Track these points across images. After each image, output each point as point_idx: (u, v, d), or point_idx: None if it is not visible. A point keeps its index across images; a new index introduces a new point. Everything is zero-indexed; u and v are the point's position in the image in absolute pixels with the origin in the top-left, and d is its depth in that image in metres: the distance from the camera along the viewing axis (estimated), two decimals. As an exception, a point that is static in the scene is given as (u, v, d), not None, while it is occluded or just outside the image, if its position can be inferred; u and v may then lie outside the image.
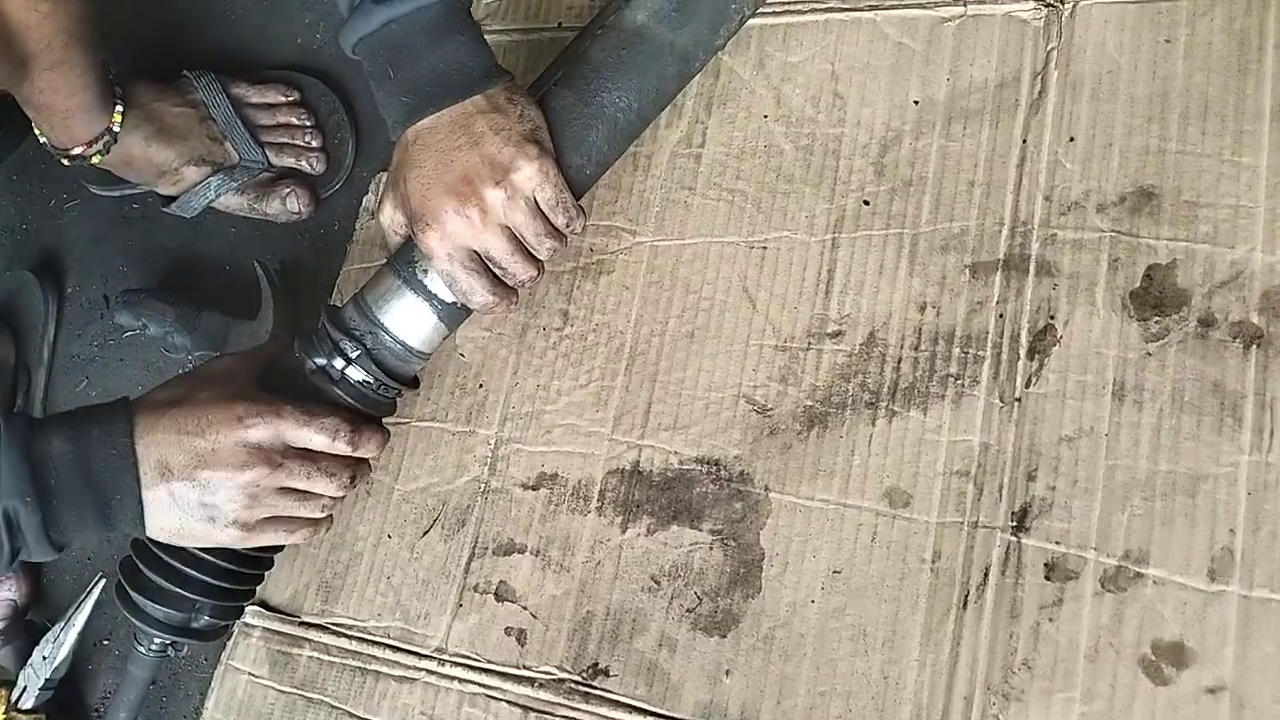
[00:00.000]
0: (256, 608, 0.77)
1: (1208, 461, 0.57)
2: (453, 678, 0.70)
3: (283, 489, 0.64)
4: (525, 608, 0.70)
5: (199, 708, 0.81)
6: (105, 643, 0.89)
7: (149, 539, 0.65)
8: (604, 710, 0.65)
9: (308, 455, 0.64)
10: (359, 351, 0.66)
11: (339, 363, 0.66)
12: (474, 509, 0.74)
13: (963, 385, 0.63)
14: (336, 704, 0.72)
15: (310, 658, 0.75)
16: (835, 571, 0.63)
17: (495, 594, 0.71)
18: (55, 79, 0.77)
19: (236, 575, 0.70)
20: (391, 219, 0.67)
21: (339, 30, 0.65)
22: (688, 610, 0.66)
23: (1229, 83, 0.62)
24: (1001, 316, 0.63)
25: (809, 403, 0.67)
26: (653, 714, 0.64)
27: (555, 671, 0.68)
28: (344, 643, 0.74)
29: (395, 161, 0.66)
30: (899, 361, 0.65)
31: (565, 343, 0.76)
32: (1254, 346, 0.57)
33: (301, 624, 0.76)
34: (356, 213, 0.89)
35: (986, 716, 0.57)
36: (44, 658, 0.85)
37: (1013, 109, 0.66)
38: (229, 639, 0.78)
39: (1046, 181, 0.64)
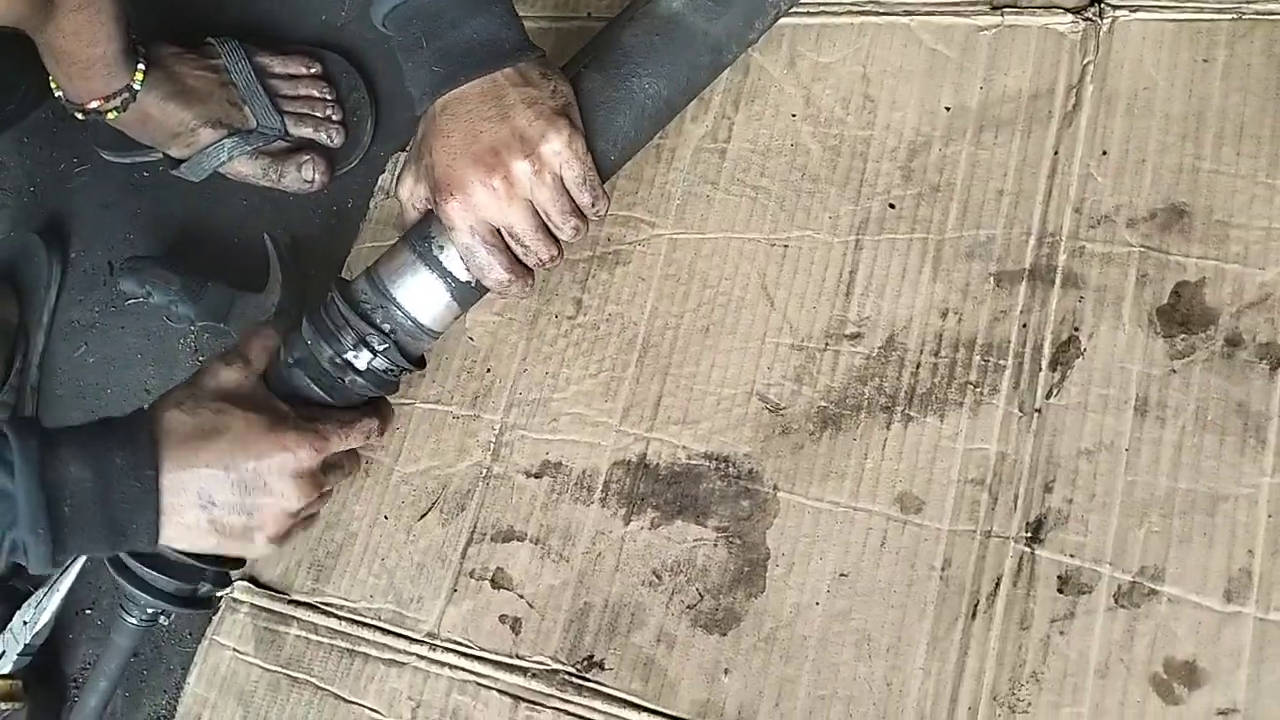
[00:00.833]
0: (246, 583, 0.75)
1: (1228, 481, 0.56)
2: (443, 664, 0.68)
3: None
4: (521, 596, 0.69)
5: (180, 682, 0.79)
6: (88, 611, 0.88)
7: None
8: (597, 704, 0.64)
9: (339, 461, 0.67)
10: (386, 345, 0.65)
11: (362, 355, 0.65)
12: (474, 494, 0.73)
13: (982, 393, 0.62)
14: (322, 684, 0.71)
15: (297, 636, 0.73)
16: (842, 575, 0.62)
17: (491, 581, 0.70)
18: (81, 22, 0.76)
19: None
20: (411, 192, 0.66)
21: (368, 3, 0.64)
22: (688, 607, 0.64)
23: (1266, 105, 0.61)
24: (1025, 326, 0.62)
25: (823, 403, 0.66)
26: (648, 710, 0.63)
27: (549, 662, 0.66)
28: (333, 623, 0.72)
29: (420, 133, 0.65)
30: (917, 366, 0.64)
31: (577, 331, 0.74)
32: (1280, 369, 0.57)
33: (291, 602, 0.74)
34: (371, 191, 0.88)
35: (991, 729, 0.56)
36: (24, 623, 0.83)
37: (1045, 120, 0.66)
38: (215, 613, 0.76)
39: (1077, 194, 0.64)
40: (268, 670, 0.73)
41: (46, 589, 0.84)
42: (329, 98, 0.93)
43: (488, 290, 0.67)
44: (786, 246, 0.70)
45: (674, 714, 0.62)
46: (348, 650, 0.71)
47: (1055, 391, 0.61)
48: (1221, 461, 0.56)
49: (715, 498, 0.66)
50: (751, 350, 0.69)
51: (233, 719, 0.73)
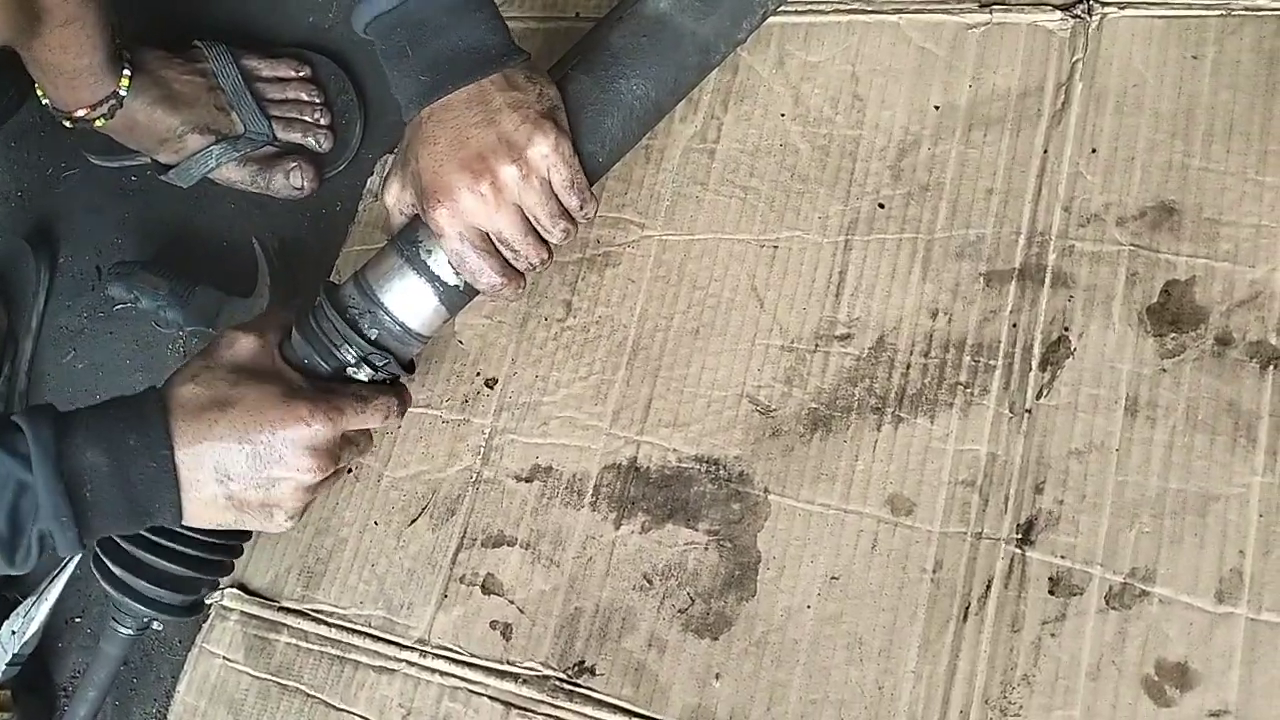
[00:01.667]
0: (235, 591, 0.75)
1: (1219, 481, 0.56)
2: (434, 670, 0.68)
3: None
4: (512, 601, 0.68)
5: (170, 690, 0.79)
6: (77, 620, 0.87)
7: None
8: (588, 710, 0.63)
9: (354, 438, 0.65)
10: (383, 359, 0.65)
11: (353, 364, 0.65)
12: (464, 499, 0.72)
13: (972, 394, 0.62)
14: (312, 692, 0.70)
15: (287, 644, 0.72)
16: (833, 578, 0.61)
17: (482, 586, 0.69)
18: (66, 37, 0.76)
19: (226, 549, 0.69)
20: (398, 199, 0.66)
21: (351, 9, 0.64)
22: (679, 611, 0.64)
23: (1255, 102, 0.61)
24: (1015, 326, 0.62)
25: (813, 405, 0.66)
26: (639, 715, 0.62)
27: (540, 668, 0.66)
28: (323, 630, 0.72)
29: (407, 140, 0.65)
30: (908, 367, 0.64)
31: (567, 334, 0.74)
32: (1271, 367, 0.56)
33: (280, 609, 0.74)
34: (360, 194, 0.87)
35: (983, 732, 0.56)
36: (13, 633, 0.82)
37: (1035, 118, 0.66)
38: (205, 621, 0.76)
39: (1066, 192, 0.63)
40: (257, 678, 0.72)
41: (35, 598, 0.83)
42: (317, 101, 0.92)
43: (476, 294, 0.66)
44: (776, 247, 0.70)
45: (666, 719, 0.62)
46: (338, 657, 0.71)
47: (1045, 392, 0.60)
48: (1212, 461, 0.56)
49: (706, 501, 0.66)
50: (741, 352, 0.69)
51: (223, 727, 0.72)
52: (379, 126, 0.92)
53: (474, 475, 0.73)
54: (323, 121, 0.92)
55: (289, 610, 0.73)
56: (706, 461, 0.67)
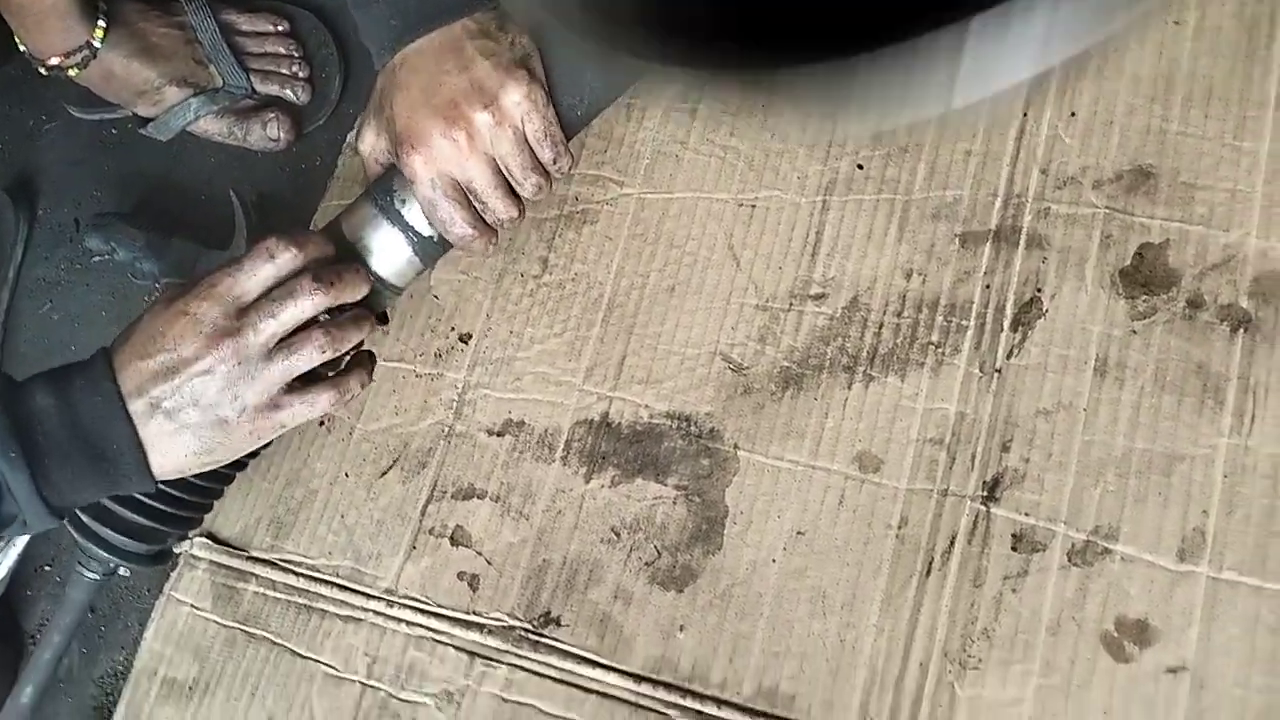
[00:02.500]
0: (205, 540, 0.75)
1: (1185, 442, 0.56)
2: (400, 620, 0.68)
3: (268, 351, 0.58)
4: (480, 554, 0.68)
5: (138, 638, 0.78)
6: (46, 568, 0.87)
7: None
8: (553, 660, 0.63)
9: (263, 298, 0.59)
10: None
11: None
12: (436, 452, 0.72)
13: (943, 354, 0.62)
14: (278, 640, 0.70)
15: (255, 593, 0.72)
16: (799, 533, 0.61)
17: (450, 538, 0.69)
18: None
19: (202, 491, 0.69)
20: (373, 147, 0.66)
21: None
22: (646, 564, 0.64)
23: (1236, 67, 0.61)
24: (988, 287, 0.62)
25: (786, 363, 0.65)
26: (602, 665, 0.62)
27: (505, 619, 0.66)
28: (291, 579, 0.71)
29: (379, 88, 0.65)
30: (880, 327, 0.64)
31: (543, 290, 0.74)
32: (1241, 330, 0.56)
33: (249, 559, 0.73)
34: (339, 149, 0.87)
35: (942, 684, 0.56)
36: None
37: (1014, 80, 0.65)
38: (173, 569, 0.75)
39: (1044, 155, 0.63)
40: (224, 626, 0.72)
41: (2, 544, 0.83)
42: (295, 54, 0.92)
43: (451, 246, 0.66)
44: (754, 207, 0.70)
45: (629, 669, 0.62)
46: (305, 606, 0.71)
47: (1016, 352, 0.60)
48: (1179, 422, 0.56)
49: (676, 456, 0.66)
50: (716, 310, 0.68)
51: (189, 674, 0.72)
52: (359, 81, 0.91)
53: (446, 429, 0.73)
54: (300, 74, 0.91)
55: (257, 560, 0.73)
56: (677, 417, 0.67)
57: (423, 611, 0.68)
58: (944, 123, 0.66)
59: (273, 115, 0.88)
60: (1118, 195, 0.61)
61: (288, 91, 0.89)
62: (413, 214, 0.65)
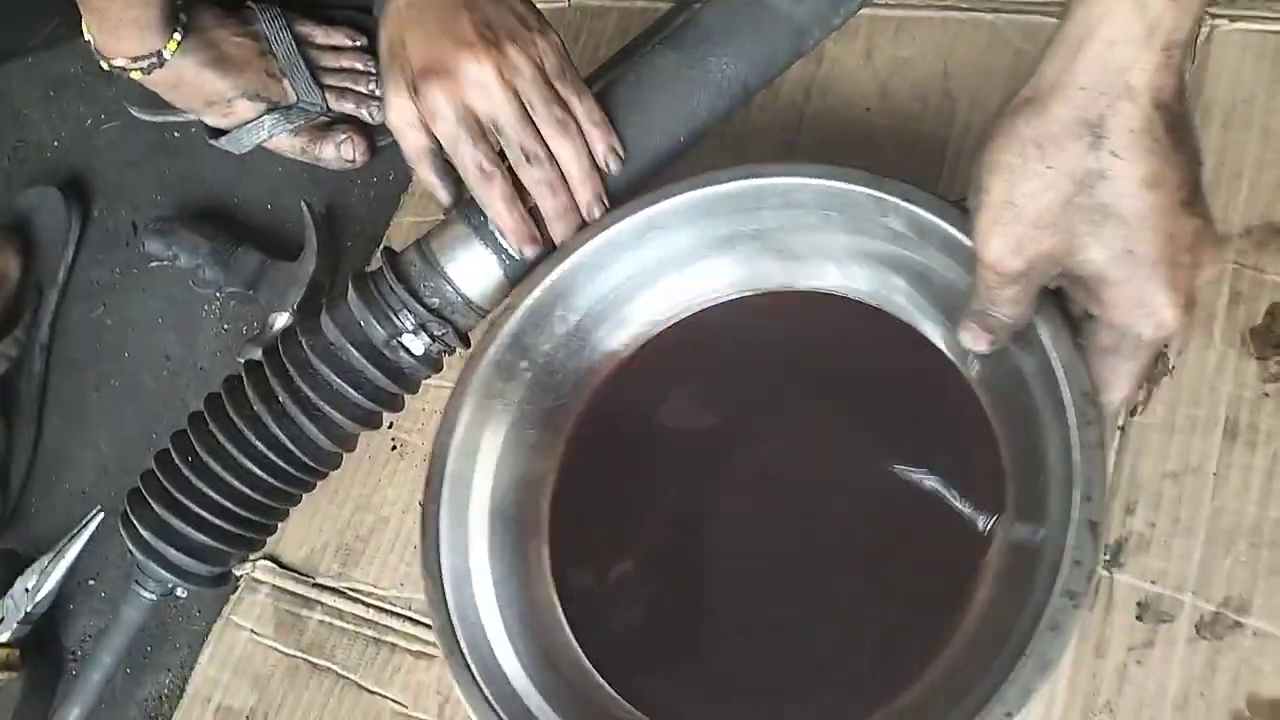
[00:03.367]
0: (268, 563, 0.72)
1: (1321, 514, 0.53)
2: (474, 658, 0.65)
3: None
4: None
5: (185, 661, 0.76)
6: (91, 582, 0.84)
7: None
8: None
9: None
10: (444, 329, 0.63)
11: (420, 338, 0.63)
12: (513, 483, 0.70)
13: (1060, 407, 0.59)
14: (344, 673, 0.68)
15: (321, 621, 0.70)
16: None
17: (528, 574, 0.67)
18: None
19: (261, 526, 0.66)
20: (401, 109, 0.60)
21: None
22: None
23: (1371, 123, 0.59)
24: (1108, 339, 0.60)
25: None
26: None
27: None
28: (359, 609, 0.69)
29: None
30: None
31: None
32: (1380, 398, 0.54)
33: (315, 585, 0.71)
34: (415, 164, 0.85)
35: (1061, 759, 0.53)
36: (26, 590, 0.80)
37: (1137, 127, 0.63)
38: (233, 592, 0.73)
39: (1168, 205, 0.61)
40: (287, 655, 0.70)
41: (52, 555, 0.81)
42: (372, 71, 0.90)
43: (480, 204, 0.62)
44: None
45: None
46: (374, 639, 0.68)
47: (1141, 409, 0.58)
48: (1314, 492, 0.54)
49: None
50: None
51: (246, 702, 0.69)
52: (437, 96, 0.89)
53: (524, 459, 0.70)
54: (376, 92, 0.89)
55: (324, 587, 0.71)
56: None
57: (498, 650, 0.65)
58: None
59: (346, 135, 0.86)
60: (1247, 250, 0.59)
61: (363, 111, 0.87)
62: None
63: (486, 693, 0.51)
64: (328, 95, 0.88)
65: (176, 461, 0.66)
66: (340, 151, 0.87)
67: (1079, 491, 0.44)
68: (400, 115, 0.61)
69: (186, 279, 0.88)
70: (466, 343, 0.67)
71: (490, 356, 0.59)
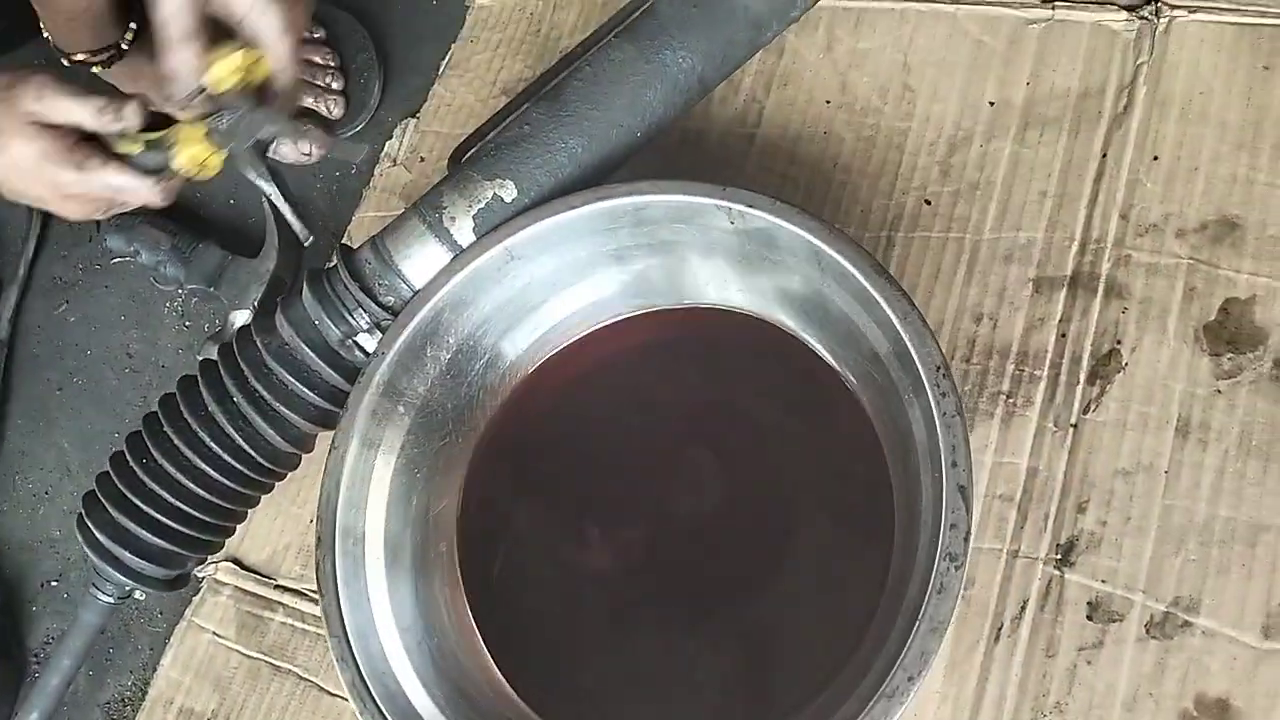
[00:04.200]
0: (230, 565, 0.72)
1: (1271, 511, 0.53)
2: (433, 659, 0.65)
3: None
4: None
5: (148, 662, 0.76)
6: (54, 584, 0.84)
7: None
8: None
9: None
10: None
11: (375, 336, 0.62)
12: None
13: (1014, 404, 0.59)
14: (306, 675, 0.67)
15: (283, 623, 0.69)
16: (859, 587, 0.59)
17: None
18: None
19: (218, 528, 0.66)
20: None
21: None
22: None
23: (1328, 117, 0.59)
24: (1064, 336, 0.60)
25: (846, 406, 0.63)
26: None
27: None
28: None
29: None
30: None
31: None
32: (1332, 395, 0.54)
33: (277, 587, 0.71)
34: (377, 158, 0.84)
35: (1012, 758, 0.53)
36: None
37: (1095, 120, 0.63)
38: (195, 594, 0.73)
39: (1124, 200, 0.61)
40: (248, 657, 0.69)
41: None
42: (331, 65, 0.88)
43: None
44: (813, 239, 0.67)
45: None
46: (333, 640, 0.68)
47: (1093, 407, 0.58)
48: (1265, 490, 0.54)
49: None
50: (772, 346, 0.66)
51: (208, 705, 0.69)
52: (399, 87, 0.88)
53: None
54: (335, 86, 0.88)
55: (286, 589, 0.70)
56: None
57: (457, 651, 0.65)
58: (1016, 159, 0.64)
59: (305, 129, 0.85)
60: (1202, 246, 0.59)
61: (321, 105, 0.86)
62: (461, 232, 0.62)
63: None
64: None
65: (131, 464, 0.65)
66: (298, 146, 0.85)
67: (946, 458, 0.46)
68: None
69: (148, 276, 0.87)
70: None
71: (364, 406, 0.58)
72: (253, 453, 0.64)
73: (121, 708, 0.76)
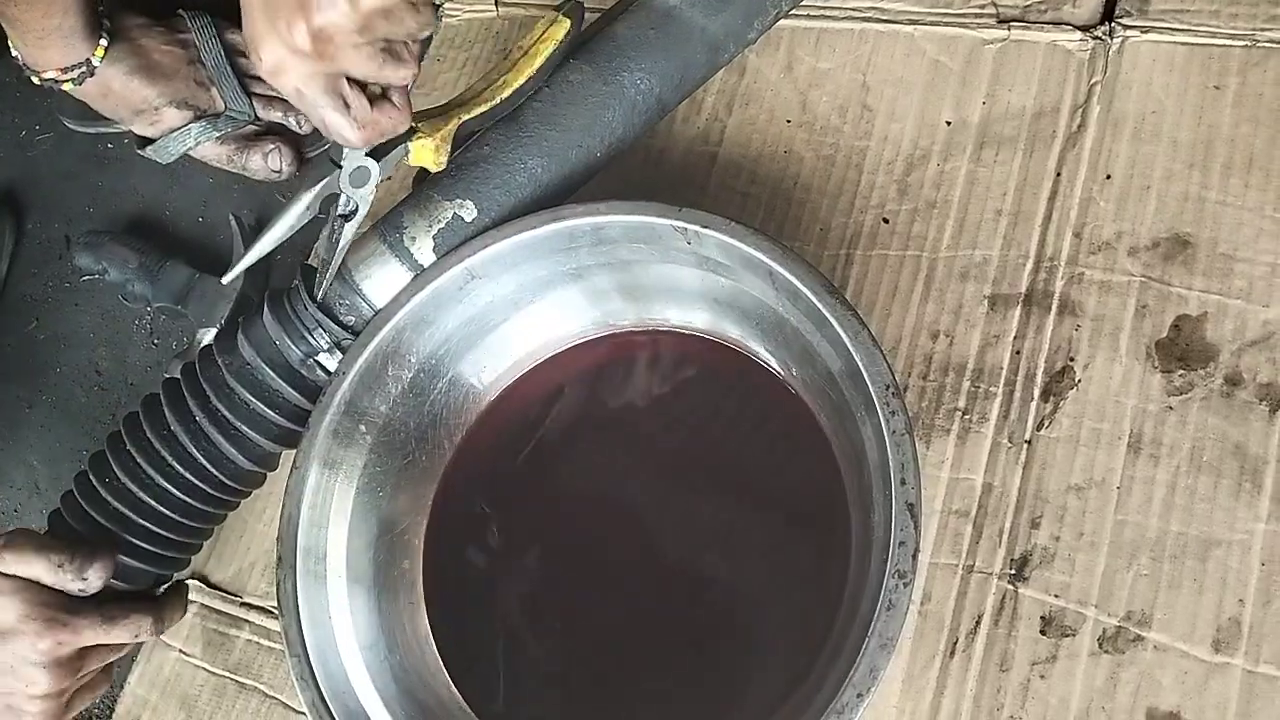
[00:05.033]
0: (196, 583, 0.72)
1: (1222, 527, 0.54)
2: (397, 676, 0.65)
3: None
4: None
5: (115, 680, 0.75)
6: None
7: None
8: None
9: (101, 651, 0.61)
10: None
11: (335, 356, 0.62)
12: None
13: (970, 421, 0.60)
14: (270, 692, 0.68)
15: (249, 641, 0.70)
16: (818, 603, 0.59)
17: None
18: None
19: (190, 530, 0.66)
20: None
21: None
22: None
23: (1277, 136, 0.59)
24: (1018, 353, 0.60)
25: (806, 423, 0.63)
26: None
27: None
28: (284, 628, 0.69)
29: None
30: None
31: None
32: (1280, 411, 0.55)
33: (243, 604, 0.71)
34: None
35: (966, 773, 0.54)
36: None
37: (1049, 140, 0.64)
38: (160, 611, 0.73)
39: (1078, 218, 0.62)
40: (214, 674, 0.69)
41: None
42: None
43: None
44: (774, 257, 0.68)
45: None
46: (297, 658, 0.68)
47: (1046, 423, 0.58)
48: (1215, 505, 0.54)
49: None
50: (733, 363, 0.66)
51: (173, 723, 0.69)
52: (368, 106, 0.88)
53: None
54: None
55: (252, 606, 0.70)
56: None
57: (421, 669, 0.65)
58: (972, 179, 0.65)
59: (274, 146, 0.85)
60: (1154, 263, 0.59)
61: (291, 120, 0.86)
62: (422, 253, 0.62)
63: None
64: (256, 103, 0.87)
65: (94, 483, 0.65)
66: (268, 161, 0.86)
67: (895, 476, 0.47)
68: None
69: (117, 293, 0.88)
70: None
71: (325, 426, 0.59)
72: (216, 472, 0.64)
73: (89, 726, 0.76)
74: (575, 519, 0.63)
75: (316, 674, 0.54)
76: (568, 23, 0.62)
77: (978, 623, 0.56)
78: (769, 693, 0.54)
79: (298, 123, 0.87)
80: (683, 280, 0.60)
